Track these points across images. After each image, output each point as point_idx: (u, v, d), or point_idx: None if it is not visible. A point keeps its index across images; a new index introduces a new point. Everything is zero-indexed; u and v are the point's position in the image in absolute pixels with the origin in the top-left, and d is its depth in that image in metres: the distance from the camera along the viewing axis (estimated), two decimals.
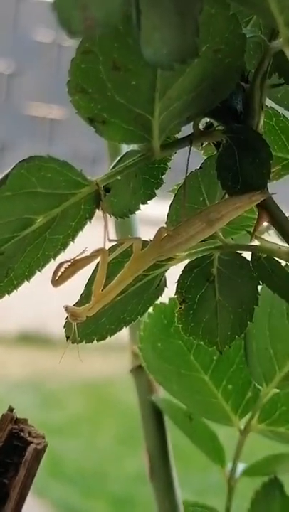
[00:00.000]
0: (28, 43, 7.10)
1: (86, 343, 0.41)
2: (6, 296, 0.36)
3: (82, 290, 0.38)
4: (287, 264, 0.40)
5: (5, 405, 0.40)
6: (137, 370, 0.53)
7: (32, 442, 0.41)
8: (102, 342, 0.42)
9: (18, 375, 4.68)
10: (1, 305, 0.36)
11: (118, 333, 0.47)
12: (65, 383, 4.57)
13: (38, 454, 0.41)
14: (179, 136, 0.36)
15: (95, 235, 0.37)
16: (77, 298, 0.39)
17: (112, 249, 0.37)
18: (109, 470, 3.40)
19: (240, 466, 0.51)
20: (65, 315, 0.38)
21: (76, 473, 3.31)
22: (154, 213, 0.46)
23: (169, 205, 0.39)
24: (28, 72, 7.12)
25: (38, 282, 0.38)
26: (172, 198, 0.38)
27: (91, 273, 0.37)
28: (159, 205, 0.41)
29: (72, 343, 0.40)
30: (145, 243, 0.36)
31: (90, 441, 3.76)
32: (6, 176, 0.31)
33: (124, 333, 0.45)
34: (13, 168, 0.31)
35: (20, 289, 0.36)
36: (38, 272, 0.36)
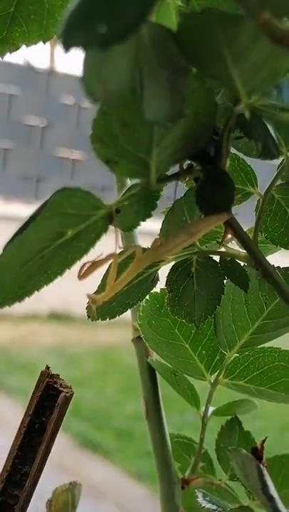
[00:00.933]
0: (57, 105, 7.05)
1: (102, 320, 0.41)
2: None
3: (94, 282, 0.38)
4: (245, 265, 0.40)
5: (39, 365, 0.40)
6: (137, 340, 0.52)
7: (62, 391, 0.41)
8: (108, 321, 0.42)
9: (48, 344, 4.65)
10: (37, 294, 0.35)
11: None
12: (83, 349, 4.54)
13: (67, 400, 0.41)
14: (169, 173, 0.35)
15: (108, 243, 0.37)
16: (91, 286, 0.39)
17: (121, 253, 0.37)
18: (114, 411, 3.39)
19: (211, 409, 0.50)
20: (85, 300, 0.37)
21: (90, 413, 3.30)
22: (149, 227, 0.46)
23: (161, 222, 0.39)
24: (57, 126, 7.08)
25: (64, 277, 0.38)
26: (164, 217, 0.38)
27: (105, 270, 0.37)
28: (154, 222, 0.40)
29: (92, 320, 0.40)
30: (144, 249, 0.36)
31: (100, 391, 3.74)
32: (46, 202, 0.31)
33: (127, 313, 0.45)
34: (51, 196, 0.31)
35: None
36: (67, 270, 0.36)
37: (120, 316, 0.42)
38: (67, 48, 0.21)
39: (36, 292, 0.35)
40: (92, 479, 2.59)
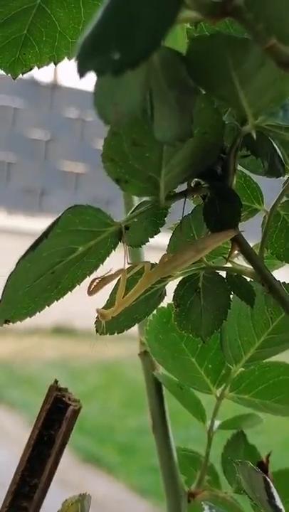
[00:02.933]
0: (61, 118, 7.09)
1: (110, 334, 0.41)
2: None
3: (97, 295, 0.39)
4: (251, 280, 0.41)
5: (42, 379, 0.41)
6: (144, 354, 0.53)
7: (71, 405, 0.41)
8: (112, 335, 0.42)
9: (51, 357, 4.65)
10: None
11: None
12: (86, 363, 4.54)
13: (75, 413, 0.42)
14: (177, 190, 0.36)
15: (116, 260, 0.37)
16: (95, 300, 0.39)
17: (129, 269, 0.37)
18: (117, 426, 3.38)
19: (217, 423, 0.51)
20: (88, 313, 0.38)
21: (93, 428, 3.29)
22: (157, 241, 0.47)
23: (169, 238, 0.39)
24: (61, 139, 7.11)
25: None
26: (172, 233, 0.39)
27: (113, 286, 0.38)
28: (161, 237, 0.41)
29: (100, 334, 0.40)
30: (153, 265, 0.37)
31: (103, 405, 3.73)
32: (58, 219, 0.32)
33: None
34: (63, 214, 0.32)
35: None
36: (77, 285, 0.36)
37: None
38: (82, 73, 0.22)
39: None
40: (95, 494, 2.58)
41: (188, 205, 0.39)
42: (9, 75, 0.39)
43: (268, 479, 0.31)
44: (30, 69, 0.36)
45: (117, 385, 4.08)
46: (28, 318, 0.36)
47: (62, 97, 7.00)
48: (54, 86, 7.08)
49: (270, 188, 0.44)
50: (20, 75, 0.37)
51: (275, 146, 0.36)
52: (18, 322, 0.36)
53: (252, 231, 0.43)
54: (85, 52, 0.22)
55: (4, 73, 0.39)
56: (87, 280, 0.36)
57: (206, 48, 0.27)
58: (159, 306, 0.44)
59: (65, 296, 0.37)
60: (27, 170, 7.00)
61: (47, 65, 0.37)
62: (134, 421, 3.25)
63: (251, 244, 0.39)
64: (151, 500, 2.57)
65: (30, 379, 3.80)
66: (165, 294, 0.41)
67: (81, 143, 6.88)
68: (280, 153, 0.35)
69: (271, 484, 0.31)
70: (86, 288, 0.36)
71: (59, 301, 0.37)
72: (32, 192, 6.84)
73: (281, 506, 0.31)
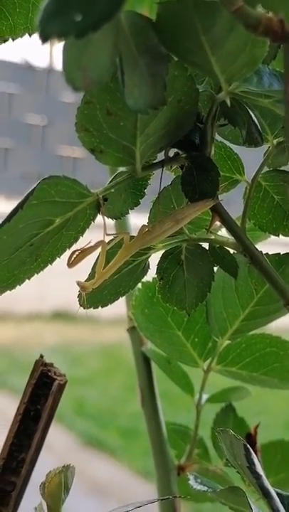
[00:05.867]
0: (57, 103, 7.07)
1: (94, 308, 0.41)
2: (45, 286, 0.36)
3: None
4: (234, 252, 0.41)
5: None
6: (132, 329, 0.53)
7: (56, 379, 0.41)
8: (113, 319, 0.42)
9: (52, 342, 4.66)
10: (40, 293, 0.36)
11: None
12: (87, 348, 4.55)
13: (61, 387, 0.42)
14: (155, 161, 0.36)
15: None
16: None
17: (110, 242, 0.37)
18: (119, 409, 3.40)
19: (205, 396, 0.51)
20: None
21: (95, 411, 3.30)
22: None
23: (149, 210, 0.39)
24: (57, 124, 7.10)
25: (67, 276, 0.38)
26: (152, 205, 0.39)
27: (96, 258, 0.38)
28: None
29: (84, 308, 0.40)
30: (132, 237, 0.37)
31: (104, 389, 3.75)
32: (33, 190, 0.32)
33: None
34: (37, 184, 0.32)
35: (53, 281, 0.36)
36: (57, 258, 0.36)
37: (121, 315, 0.42)
38: (44, 38, 0.22)
39: (39, 291, 0.36)
40: (98, 477, 2.60)
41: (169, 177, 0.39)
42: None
43: (248, 446, 0.32)
44: (5, 41, 0.36)
45: (118, 369, 4.09)
46: (9, 291, 0.36)
47: (58, 81, 6.97)
48: (50, 70, 7.05)
49: (258, 161, 0.44)
50: (16, 60, 0.37)
51: (252, 115, 0.35)
52: (19, 307, 0.36)
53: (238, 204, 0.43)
54: (48, 16, 0.22)
55: None
56: (83, 267, 0.36)
57: (174, 13, 0.27)
58: (145, 281, 0.44)
59: (66, 281, 0.37)
60: (24, 155, 6.99)
61: (22, 36, 0.37)
62: (135, 404, 3.27)
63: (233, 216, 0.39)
64: (155, 482, 2.58)
65: (31, 364, 3.80)
66: (148, 267, 0.41)
67: None
68: (256, 122, 0.35)
69: (251, 451, 0.32)
70: (85, 274, 0.36)
71: (59, 286, 0.37)
72: (29, 178, 6.83)
73: (262, 473, 0.32)
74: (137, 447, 2.87)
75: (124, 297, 0.42)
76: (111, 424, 3.20)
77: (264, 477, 0.32)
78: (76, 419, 3.10)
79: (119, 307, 0.53)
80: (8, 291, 0.36)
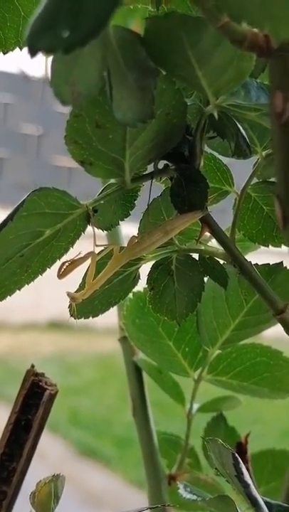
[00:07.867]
0: (52, 113, 7.08)
1: (85, 318, 0.41)
2: (40, 296, 0.36)
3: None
4: (223, 262, 0.41)
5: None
6: (123, 339, 0.53)
7: (47, 389, 0.42)
8: (108, 328, 0.42)
9: (48, 352, 4.66)
10: (36, 303, 0.36)
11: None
12: (82, 358, 4.54)
13: (52, 397, 0.42)
14: (144, 173, 0.36)
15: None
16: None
17: (100, 253, 0.37)
18: (113, 419, 3.39)
19: (195, 406, 0.51)
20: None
21: (89, 421, 3.30)
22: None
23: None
24: (52, 134, 7.11)
25: (63, 286, 0.38)
26: (142, 216, 0.39)
27: (86, 269, 0.38)
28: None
29: (74, 318, 0.40)
30: (122, 248, 0.37)
31: (99, 398, 3.74)
32: (23, 202, 0.32)
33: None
34: (27, 196, 0.32)
35: (48, 291, 0.36)
36: (48, 269, 0.36)
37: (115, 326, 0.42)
38: (33, 52, 0.23)
39: (35, 301, 0.36)
40: (92, 487, 2.59)
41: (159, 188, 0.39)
42: None
43: (237, 455, 0.32)
44: None
45: (113, 378, 4.09)
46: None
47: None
48: (45, 80, 7.06)
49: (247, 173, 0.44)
50: (11, 71, 0.38)
51: (240, 127, 0.36)
52: (15, 317, 0.36)
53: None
54: (36, 31, 0.23)
55: None
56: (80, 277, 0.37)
57: (162, 28, 0.27)
58: (136, 291, 0.44)
59: (61, 291, 0.37)
60: (19, 165, 6.99)
61: (13, 50, 0.37)
62: (130, 414, 3.26)
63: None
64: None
65: None
66: (139, 278, 0.42)
67: None
68: (244, 134, 0.36)
69: (240, 460, 0.32)
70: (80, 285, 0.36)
71: (55, 296, 0.37)
72: (25, 188, 6.83)
73: (250, 481, 0.32)
74: (132, 457, 2.86)
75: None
76: (105, 434, 3.19)
77: (252, 486, 0.32)
78: (71, 429, 3.09)
79: (114, 316, 0.54)
80: (4, 301, 0.36)
